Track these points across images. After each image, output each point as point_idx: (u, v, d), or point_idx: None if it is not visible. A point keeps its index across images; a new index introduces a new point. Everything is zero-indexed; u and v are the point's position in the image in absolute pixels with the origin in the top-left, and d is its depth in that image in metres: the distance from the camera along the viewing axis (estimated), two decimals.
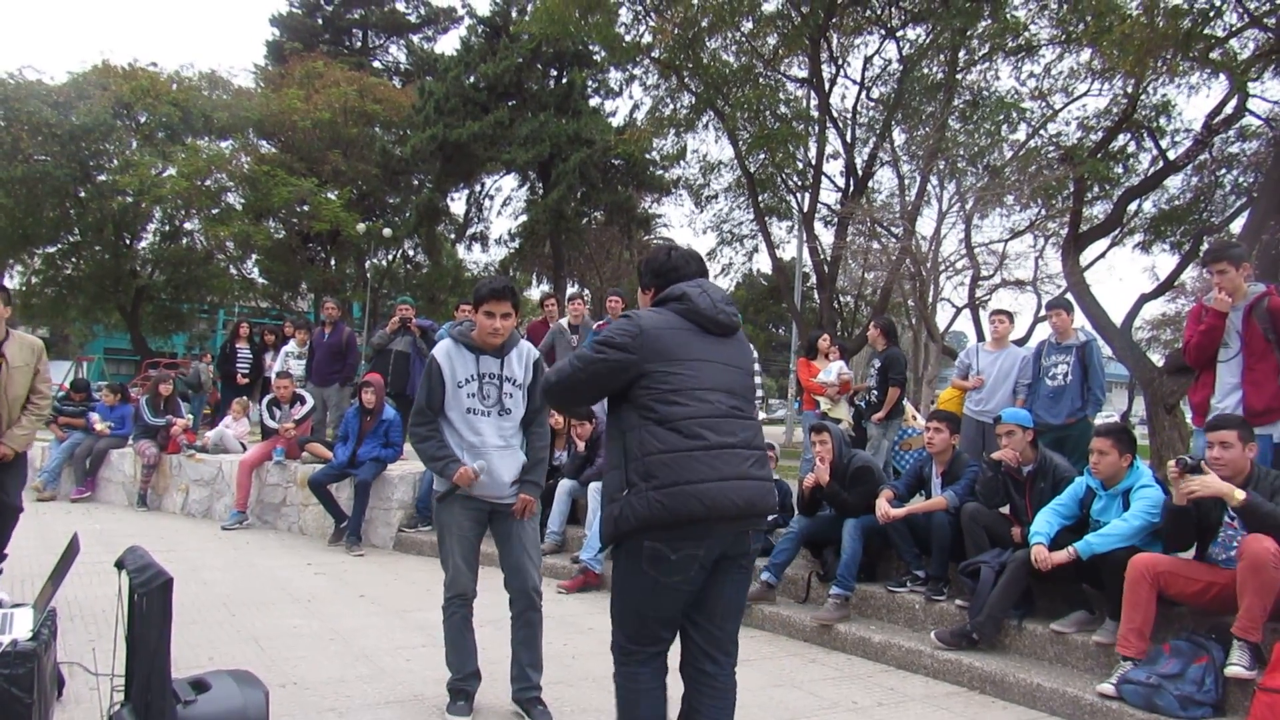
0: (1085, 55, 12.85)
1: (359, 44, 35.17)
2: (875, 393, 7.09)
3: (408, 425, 3.72)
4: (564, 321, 8.53)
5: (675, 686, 2.66)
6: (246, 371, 10.47)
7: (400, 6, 34.80)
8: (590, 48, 22.24)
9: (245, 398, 10.07)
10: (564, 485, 6.55)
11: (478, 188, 28.14)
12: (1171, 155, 13.06)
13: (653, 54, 15.44)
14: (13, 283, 22.92)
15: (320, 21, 34.41)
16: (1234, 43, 11.05)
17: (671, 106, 16.80)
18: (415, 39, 34.99)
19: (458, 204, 28.68)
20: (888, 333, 7.33)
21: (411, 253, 28.98)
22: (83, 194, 20.77)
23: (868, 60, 16.16)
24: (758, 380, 7.48)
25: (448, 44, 48.10)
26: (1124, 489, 4.18)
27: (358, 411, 7.37)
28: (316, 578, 6.09)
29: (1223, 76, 11.19)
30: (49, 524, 7.54)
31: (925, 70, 15.07)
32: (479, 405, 3.47)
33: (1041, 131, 14.62)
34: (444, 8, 33.80)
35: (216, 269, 23.91)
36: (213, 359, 12.52)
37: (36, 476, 8.72)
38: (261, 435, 8.39)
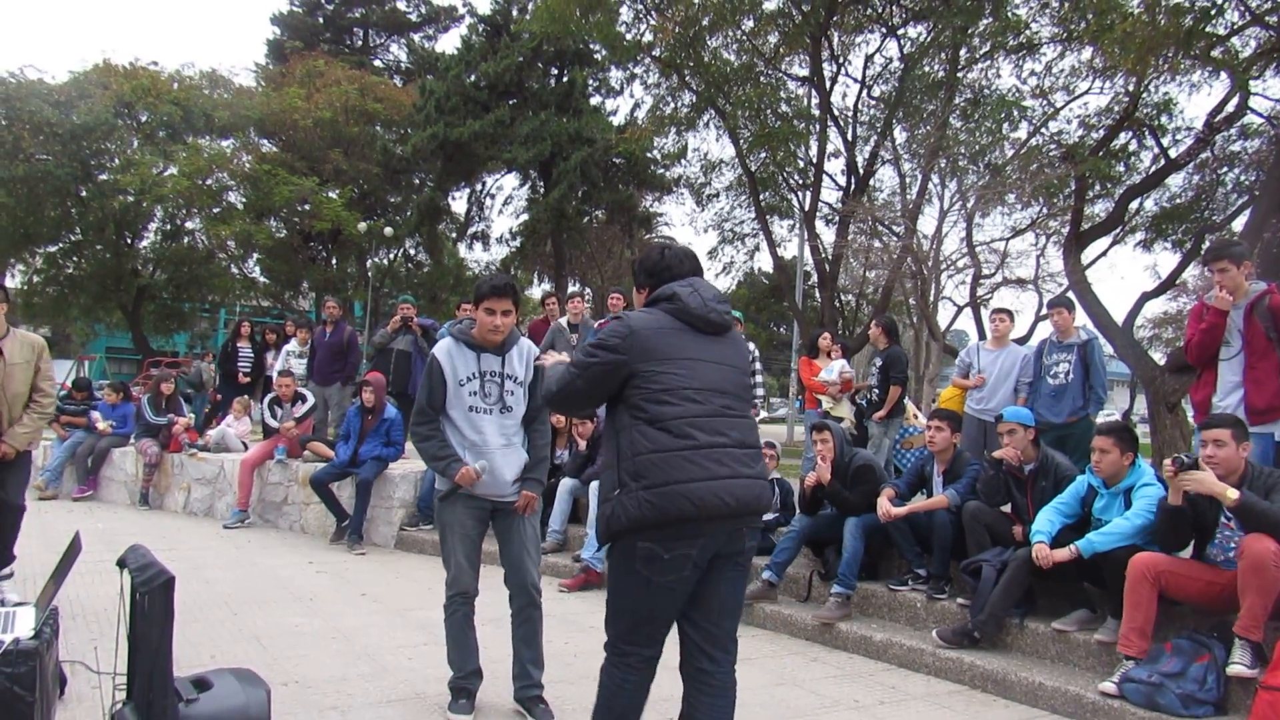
0: (1086, 53, 12.85)
1: (360, 43, 35.24)
2: (877, 391, 7.08)
3: (409, 424, 3.72)
4: (563, 320, 8.52)
5: (675, 686, 2.65)
6: (248, 370, 10.47)
7: (401, 5, 34.86)
8: (591, 46, 22.23)
9: (246, 397, 10.07)
10: (565, 484, 6.54)
11: (479, 186, 28.17)
12: (1173, 153, 13.05)
13: (654, 52, 15.41)
14: (14, 282, 22.97)
15: (321, 20, 34.47)
16: (1235, 41, 11.04)
17: (672, 105, 16.80)
18: (416, 38, 35.06)
19: (459, 203, 28.77)
20: (889, 331, 7.32)
21: (413, 251, 29.01)
22: (84, 193, 20.79)
23: (869, 58, 16.19)
24: (759, 379, 7.55)
25: (448, 43, 48.09)
26: (1125, 487, 4.19)
27: (359, 410, 7.38)
28: (318, 576, 6.10)
29: (1224, 74, 11.19)
30: (51, 523, 7.55)
31: (926, 68, 15.07)
32: (481, 403, 3.47)
33: (1043, 130, 14.64)
34: (445, 6, 33.85)
35: (218, 268, 23.95)
36: (214, 358, 12.52)
37: (38, 475, 8.73)
38: (263, 434, 8.39)
